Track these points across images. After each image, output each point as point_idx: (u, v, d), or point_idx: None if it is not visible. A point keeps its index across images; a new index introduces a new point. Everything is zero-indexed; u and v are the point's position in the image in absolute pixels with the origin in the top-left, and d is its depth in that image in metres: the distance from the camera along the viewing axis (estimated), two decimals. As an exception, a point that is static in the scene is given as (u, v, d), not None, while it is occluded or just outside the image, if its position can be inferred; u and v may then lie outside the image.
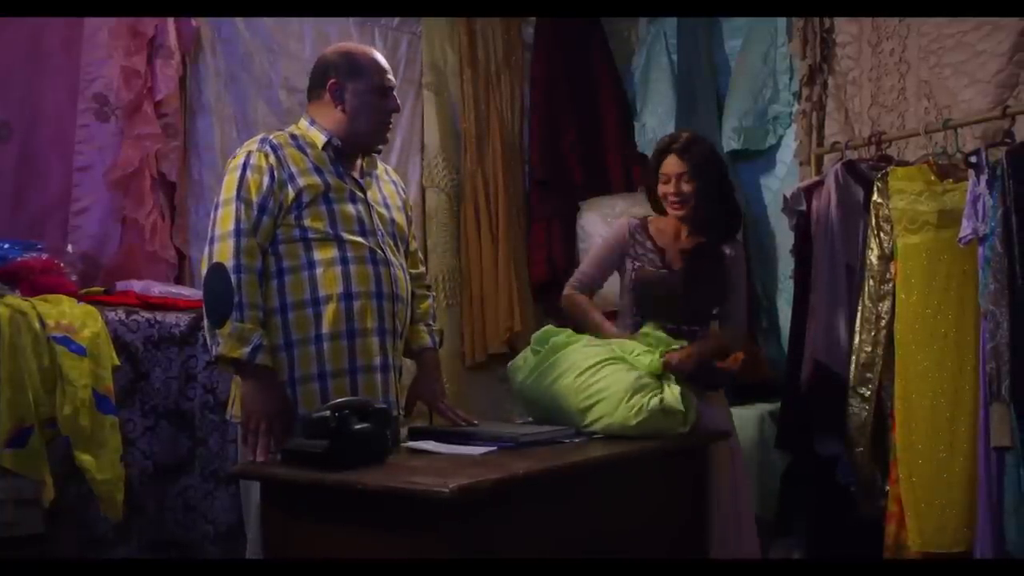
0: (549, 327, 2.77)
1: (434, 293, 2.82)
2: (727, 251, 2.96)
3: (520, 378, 2.71)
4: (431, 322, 2.65)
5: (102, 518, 2.81)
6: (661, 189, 2.91)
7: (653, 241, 2.96)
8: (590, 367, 2.57)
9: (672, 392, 2.50)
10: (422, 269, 2.69)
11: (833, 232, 3.31)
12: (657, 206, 3.00)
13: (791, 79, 4.12)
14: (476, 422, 2.52)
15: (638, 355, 2.58)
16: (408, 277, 2.52)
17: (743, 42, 4.31)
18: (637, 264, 2.93)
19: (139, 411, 3.02)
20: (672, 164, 2.88)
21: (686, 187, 2.87)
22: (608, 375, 2.53)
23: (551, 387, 2.60)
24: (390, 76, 2.47)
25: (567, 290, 3.00)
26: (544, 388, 2.62)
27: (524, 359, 2.72)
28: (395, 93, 2.48)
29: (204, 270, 2.30)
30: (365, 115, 2.42)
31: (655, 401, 2.47)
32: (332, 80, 2.42)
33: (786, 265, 3.99)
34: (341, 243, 2.35)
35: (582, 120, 4.56)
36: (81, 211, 3.39)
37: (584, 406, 2.52)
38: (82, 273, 3.24)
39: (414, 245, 2.68)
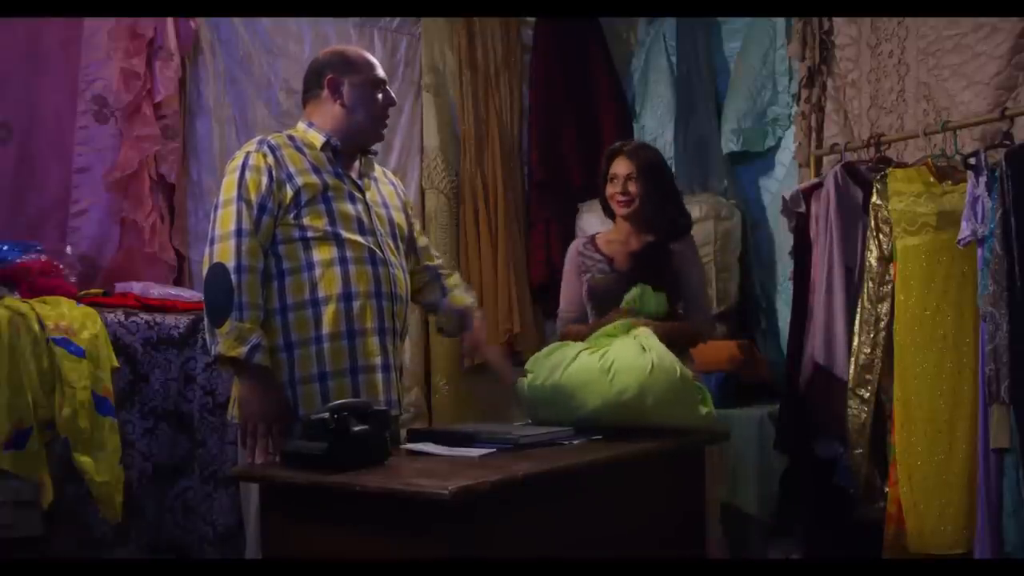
0: (538, 354, 2.77)
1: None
2: (674, 248, 3.02)
3: (530, 383, 2.62)
4: (468, 288, 2.74)
5: (101, 520, 2.81)
6: (608, 190, 3.03)
7: (601, 252, 3.08)
8: (596, 348, 2.59)
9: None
10: (438, 261, 2.73)
11: (832, 234, 3.31)
12: (609, 211, 3.11)
13: (790, 81, 4.13)
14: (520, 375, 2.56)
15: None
16: (407, 277, 2.53)
17: (742, 44, 4.31)
18: (587, 276, 3.06)
19: (138, 413, 3.02)
20: (620, 165, 3.01)
21: (632, 187, 2.99)
22: (615, 344, 2.56)
23: (565, 372, 2.54)
24: (381, 71, 2.51)
25: (560, 328, 3.11)
26: (558, 378, 2.55)
27: (526, 375, 2.68)
28: (389, 89, 2.52)
29: (205, 271, 2.31)
30: (364, 107, 2.45)
31: (657, 352, 2.48)
32: (329, 76, 2.45)
33: (785, 267, 3.99)
34: (340, 242, 2.35)
35: (581, 122, 4.56)
36: (80, 212, 3.40)
37: (606, 366, 2.48)
38: (81, 275, 3.24)
39: (424, 240, 2.72)
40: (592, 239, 3.14)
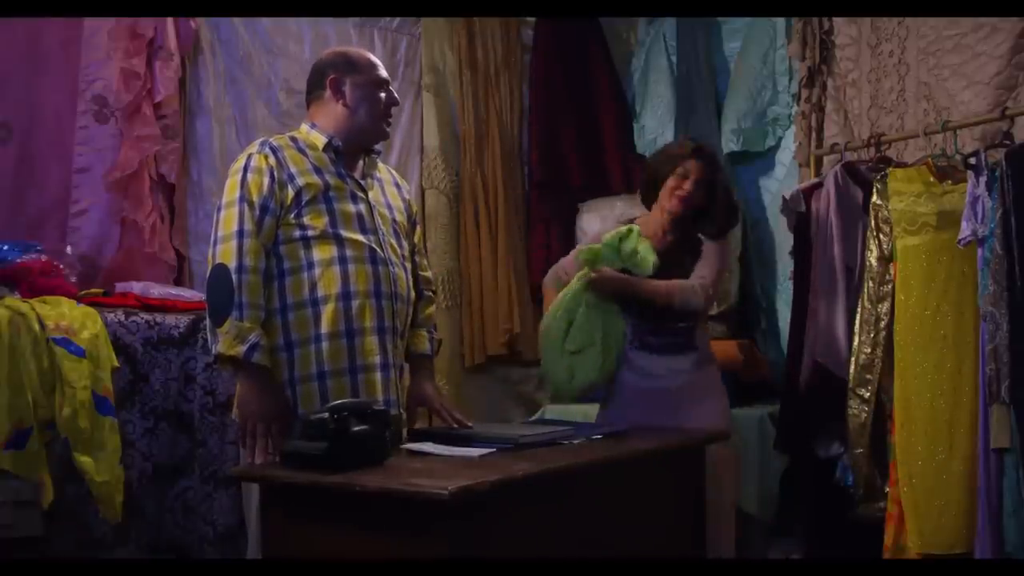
0: None
1: (436, 298, 2.83)
2: (703, 240, 2.95)
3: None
4: (432, 329, 2.67)
5: (101, 520, 2.81)
6: (672, 181, 2.93)
7: None
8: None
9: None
10: (428, 273, 2.71)
11: (832, 233, 3.31)
12: (644, 202, 3.06)
13: (790, 81, 4.13)
14: (471, 424, 2.53)
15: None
16: (409, 277, 2.53)
17: (742, 44, 4.31)
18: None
19: (138, 413, 3.02)
20: (697, 168, 2.94)
21: (699, 191, 2.93)
22: None
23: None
24: (384, 71, 2.52)
25: (544, 282, 3.13)
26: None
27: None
28: (392, 89, 2.52)
29: (208, 271, 2.32)
30: (366, 106, 2.46)
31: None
32: (332, 76, 2.46)
33: (785, 266, 3.99)
34: (340, 241, 2.36)
35: (581, 121, 4.56)
36: (80, 213, 3.40)
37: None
38: (81, 274, 3.24)
39: (419, 247, 2.69)
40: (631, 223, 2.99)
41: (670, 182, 2.94)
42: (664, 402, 2.84)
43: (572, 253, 3.09)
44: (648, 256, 2.73)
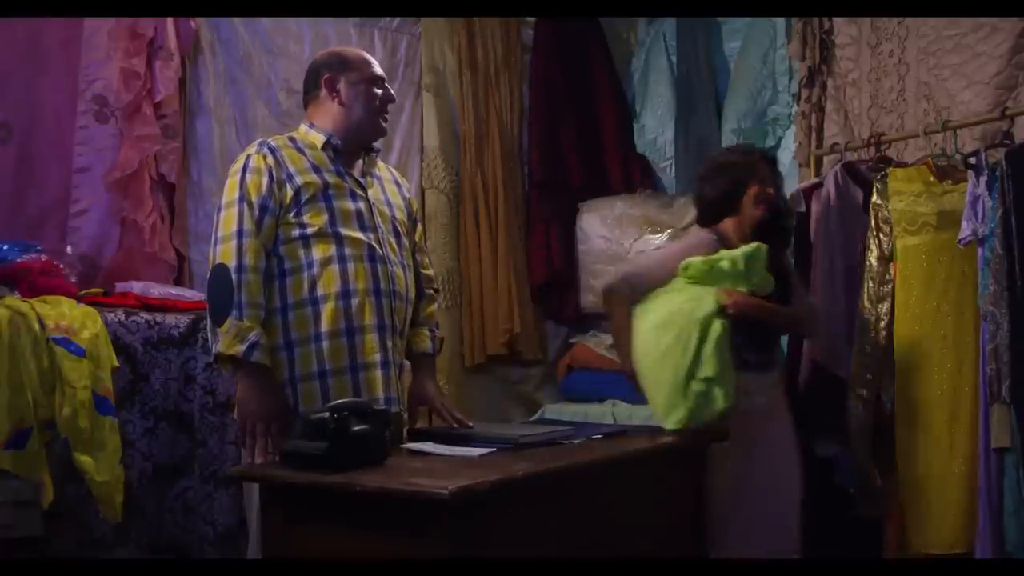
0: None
1: (441, 296, 2.82)
2: (782, 256, 2.94)
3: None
4: (435, 328, 2.67)
5: (101, 520, 2.80)
6: (756, 190, 2.81)
7: None
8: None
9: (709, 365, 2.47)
10: (430, 272, 2.71)
11: (832, 233, 3.31)
12: (713, 217, 2.87)
13: (790, 80, 4.13)
14: (471, 424, 2.53)
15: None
16: (408, 275, 2.53)
17: (742, 43, 4.31)
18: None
19: (138, 412, 3.02)
20: (770, 171, 2.86)
21: (778, 194, 2.87)
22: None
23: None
24: (378, 68, 2.53)
25: (618, 288, 2.83)
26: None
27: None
28: (388, 86, 2.53)
29: (209, 272, 2.33)
30: (362, 103, 2.47)
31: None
32: (326, 76, 2.48)
33: (785, 266, 3.99)
34: (339, 240, 2.37)
35: (581, 121, 4.56)
36: (80, 212, 3.39)
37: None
38: (81, 274, 3.24)
39: (421, 245, 2.69)
40: (722, 241, 2.81)
41: (752, 189, 2.81)
42: (753, 420, 2.72)
43: (646, 263, 2.98)
44: (770, 278, 2.63)
